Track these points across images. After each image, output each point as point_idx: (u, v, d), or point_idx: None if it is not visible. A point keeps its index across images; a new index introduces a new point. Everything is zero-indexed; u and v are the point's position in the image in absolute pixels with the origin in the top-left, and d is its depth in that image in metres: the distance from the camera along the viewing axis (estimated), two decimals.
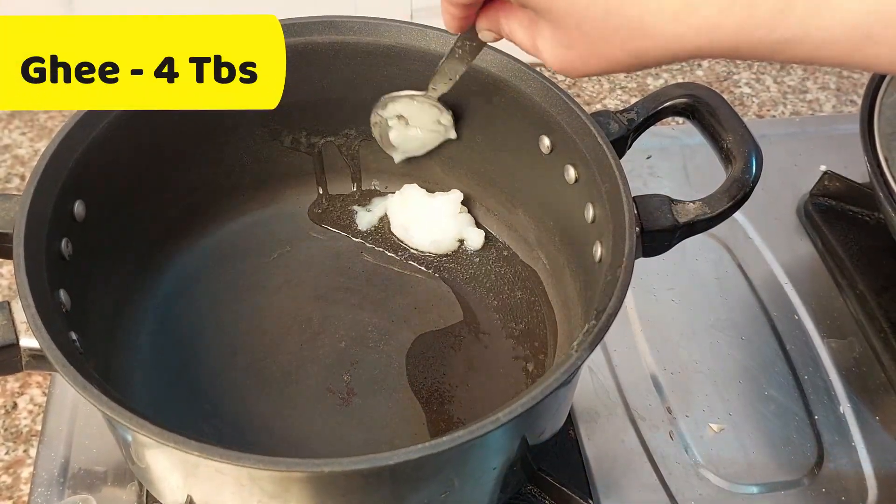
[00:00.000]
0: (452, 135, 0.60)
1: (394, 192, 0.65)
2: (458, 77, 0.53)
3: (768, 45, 0.32)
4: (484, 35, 0.47)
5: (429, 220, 0.63)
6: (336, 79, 0.59)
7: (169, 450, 0.38)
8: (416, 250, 0.63)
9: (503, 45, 0.56)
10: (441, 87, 0.55)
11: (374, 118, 0.60)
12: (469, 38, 0.49)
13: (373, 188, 0.67)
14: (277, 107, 0.60)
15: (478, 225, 0.64)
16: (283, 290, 0.61)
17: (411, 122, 0.59)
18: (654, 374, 0.64)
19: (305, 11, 0.57)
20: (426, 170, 0.65)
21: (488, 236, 0.64)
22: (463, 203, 0.64)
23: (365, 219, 0.65)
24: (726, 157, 0.52)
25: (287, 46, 0.56)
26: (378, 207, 0.65)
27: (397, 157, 0.63)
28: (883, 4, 0.30)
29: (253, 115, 0.59)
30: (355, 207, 0.65)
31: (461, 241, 0.64)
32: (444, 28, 0.56)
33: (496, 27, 0.44)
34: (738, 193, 0.50)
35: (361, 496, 0.43)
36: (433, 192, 0.64)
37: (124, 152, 0.53)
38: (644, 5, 0.33)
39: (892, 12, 0.30)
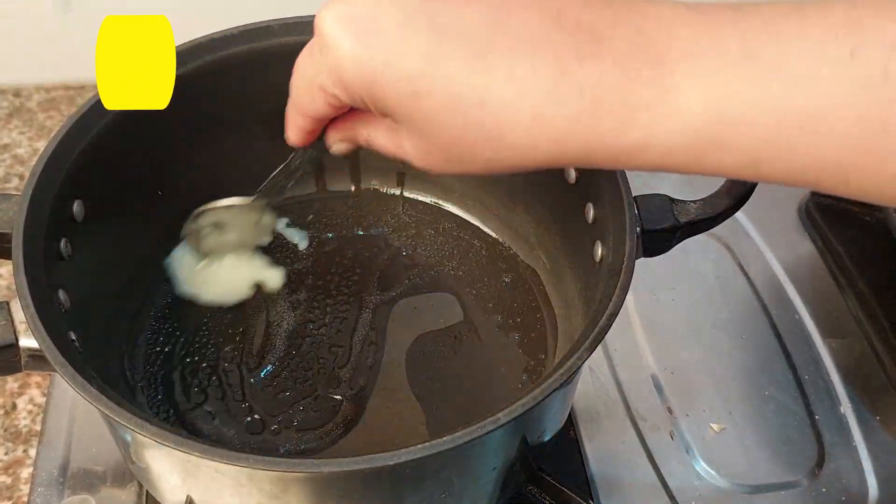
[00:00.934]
0: (268, 235, 0.58)
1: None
2: (290, 185, 0.51)
3: (618, 152, 0.32)
4: (338, 147, 0.44)
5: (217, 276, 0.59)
6: None
7: (168, 450, 0.38)
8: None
9: None
10: (271, 198, 0.53)
11: (184, 230, 0.56)
12: (313, 148, 0.46)
13: (372, 187, 0.67)
14: (278, 107, 0.60)
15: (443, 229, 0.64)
16: (283, 289, 0.61)
17: (228, 228, 0.57)
18: (654, 374, 0.64)
19: (305, 11, 0.57)
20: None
21: (489, 235, 0.64)
22: (462, 201, 0.64)
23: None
24: None
25: (287, 46, 0.57)
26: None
27: (204, 265, 0.58)
28: (724, 106, 0.30)
29: (253, 115, 0.59)
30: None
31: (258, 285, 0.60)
32: None
33: (352, 136, 0.43)
34: (738, 193, 0.50)
35: (361, 496, 0.43)
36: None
37: (123, 152, 0.52)
38: (500, 118, 0.33)
39: (733, 114, 0.30)
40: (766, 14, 0.31)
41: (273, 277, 0.60)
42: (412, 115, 0.35)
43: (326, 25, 0.35)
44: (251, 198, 0.54)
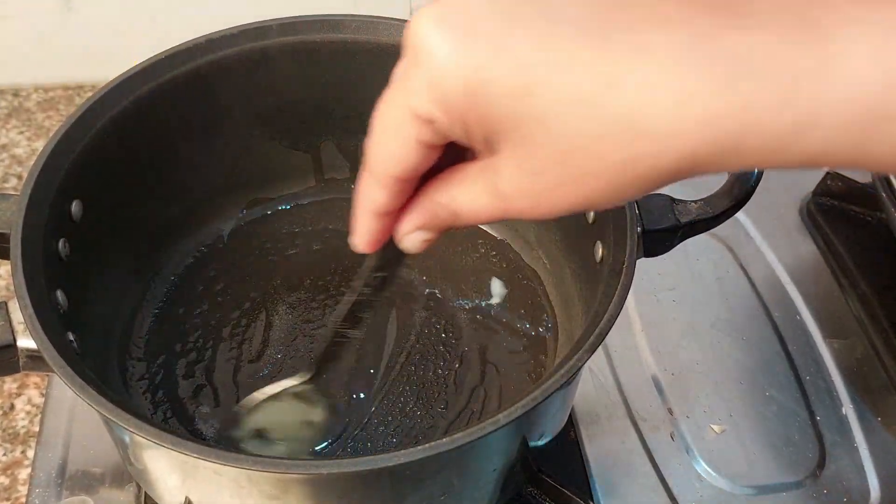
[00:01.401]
0: (323, 439, 0.48)
1: None
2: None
3: (777, 134, 0.27)
4: (411, 239, 0.35)
5: None
6: (335, 78, 0.59)
7: (167, 451, 0.38)
8: None
9: None
10: (318, 379, 0.45)
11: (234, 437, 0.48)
12: (380, 265, 0.39)
13: None
14: (277, 106, 0.60)
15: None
16: (283, 290, 0.61)
17: (273, 434, 0.48)
18: (654, 375, 0.63)
19: (305, 11, 0.57)
20: None
21: (489, 235, 0.64)
22: None
23: None
24: None
25: (286, 45, 0.57)
26: None
27: None
28: None
29: (252, 114, 0.59)
30: None
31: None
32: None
33: (432, 211, 0.34)
34: (739, 193, 0.49)
35: (361, 497, 0.43)
36: None
37: (122, 152, 0.52)
38: (633, 101, 0.27)
39: None
40: None
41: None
42: (523, 120, 0.29)
43: (420, 32, 0.29)
44: (297, 378, 0.46)
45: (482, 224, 0.33)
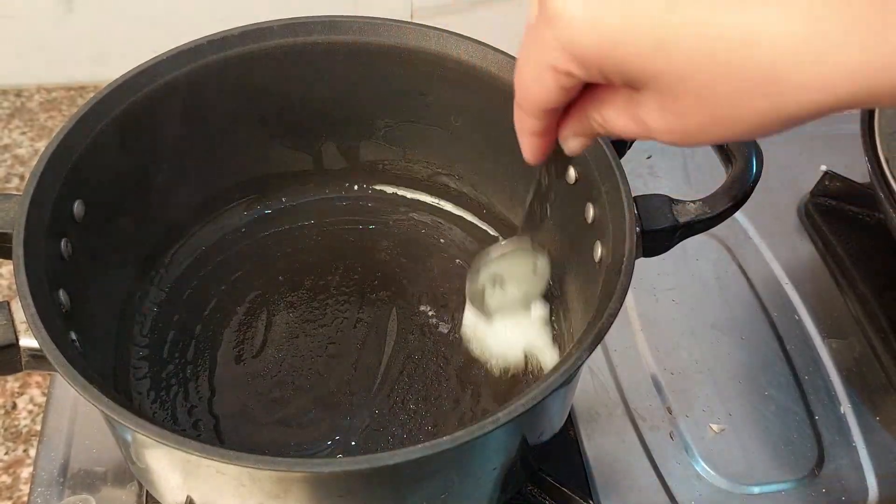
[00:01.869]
0: (546, 280, 0.54)
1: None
2: (548, 213, 0.48)
3: None
4: (571, 144, 0.39)
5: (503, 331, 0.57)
6: (336, 79, 0.59)
7: (169, 450, 0.38)
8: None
9: (505, 43, 0.56)
10: (534, 231, 0.50)
11: (469, 290, 0.54)
12: (551, 161, 0.43)
13: (372, 188, 0.67)
14: (278, 107, 0.60)
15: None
16: (284, 289, 0.61)
17: (507, 281, 0.53)
18: (654, 375, 0.64)
19: (305, 11, 0.57)
20: (425, 170, 0.65)
21: (490, 235, 0.64)
22: (462, 201, 0.64)
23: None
24: (726, 156, 0.52)
25: (287, 46, 0.57)
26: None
27: (497, 323, 0.55)
28: None
29: (253, 115, 0.59)
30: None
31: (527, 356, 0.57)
32: (444, 28, 0.56)
33: (585, 125, 0.37)
34: (738, 193, 0.50)
35: (362, 496, 0.43)
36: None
37: (123, 152, 0.52)
38: (777, 54, 0.27)
39: None
40: None
41: (546, 355, 0.56)
42: (660, 74, 0.30)
43: None
44: (517, 239, 0.51)
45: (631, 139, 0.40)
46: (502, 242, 0.53)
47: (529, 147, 0.39)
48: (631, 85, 0.32)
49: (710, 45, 0.28)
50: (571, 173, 0.53)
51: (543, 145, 0.39)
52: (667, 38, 0.29)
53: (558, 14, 0.31)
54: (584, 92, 0.35)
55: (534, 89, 0.35)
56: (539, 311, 0.57)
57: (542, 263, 0.53)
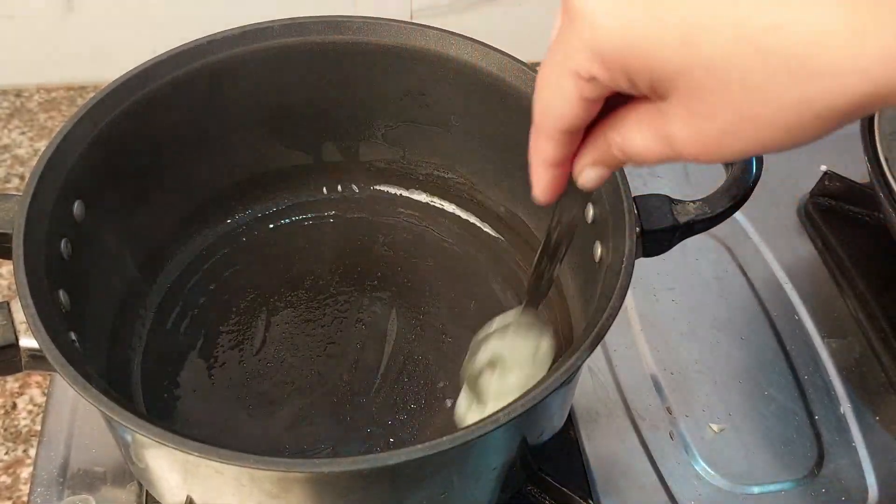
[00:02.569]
0: (549, 365, 0.49)
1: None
2: (553, 275, 0.45)
3: None
4: (588, 175, 0.36)
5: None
6: (336, 79, 0.59)
7: (168, 450, 0.38)
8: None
9: (505, 43, 0.56)
10: (538, 295, 0.46)
11: (466, 372, 0.50)
12: (565, 205, 0.41)
13: (372, 188, 0.67)
14: (278, 107, 0.60)
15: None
16: (284, 289, 0.61)
17: (507, 364, 0.49)
18: (654, 374, 0.64)
19: (305, 11, 0.57)
20: (425, 170, 0.65)
21: (489, 235, 0.64)
22: (462, 201, 0.64)
23: None
24: None
25: (287, 46, 0.57)
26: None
27: (491, 406, 0.49)
28: None
29: (253, 115, 0.59)
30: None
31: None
32: (444, 28, 0.56)
33: (604, 152, 0.35)
34: (738, 193, 0.50)
35: (361, 496, 0.43)
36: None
37: (123, 153, 0.53)
38: (805, 37, 0.26)
39: None
40: None
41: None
42: (687, 70, 0.29)
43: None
44: (521, 311, 0.47)
45: (651, 165, 0.36)
46: (504, 315, 0.49)
47: (543, 180, 0.36)
48: (657, 89, 0.30)
49: (739, 32, 0.27)
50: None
51: (559, 178, 0.36)
52: (693, 31, 0.28)
53: (580, 12, 0.30)
54: (604, 117, 0.34)
55: (554, 103, 0.33)
56: None
57: (546, 345, 0.49)
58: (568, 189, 0.37)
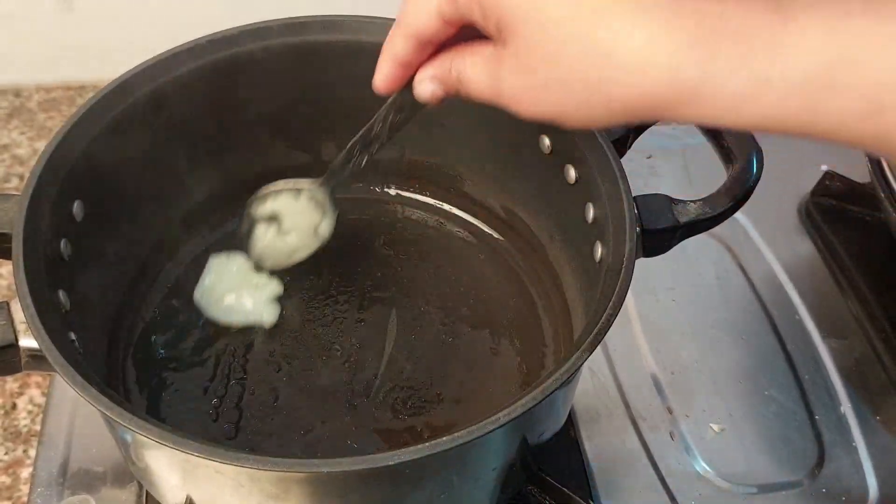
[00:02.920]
0: (319, 246, 0.53)
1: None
2: (362, 165, 0.48)
3: (730, 94, 0.31)
4: (424, 87, 0.41)
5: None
6: (335, 78, 0.59)
7: (168, 450, 0.38)
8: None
9: None
10: (338, 175, 0.49)
11: (245, 217, 0.54)
12: (397, 106, 0.44)
13: (373, 188, 0.67)
14: (278, 106, 0.60)
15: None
16: (283, 290, 0.61)
17: (285, 225, 0.53)
18: (654, 375, 0.64)
19: (305, 11, 0.57)
20: (424, 169, 0.65)
21: (489, 235, 0.64)
22: (463, 201, 0.64)
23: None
24: (727, 156, 0.52)
25: (287, 46, 0.57)
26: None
27: (260, 267, 0.55)
28: (845, 45, 0.29)
29: (253, 114, 0.59)
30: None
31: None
32: None
33: (444, 74, 0.40)
34: (738, 193, 0.50)
35: (361, 496, 0.43)
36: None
37: (123, 152, 0.52)
38: (616, 32, 0.32)
39: (856, 54, 0.29)
40: None
41: (267, 316, 0.57)
42: (528, 22, 0.34)
43: None
44: (316, 181, 0.50)
45: (479, 101, 0.39)
46: (298, 180, 0.51)
47: (387, 72, 0.41)
48: (501, 31, 0.35)
49: (573, 10, 0.33)
50: (571, 173, 0.53)
51: (400, 76, 0.41)
52: None
53: None
54: (454, 46, 0.39)
55: (416, 9, 0.38)
56: (274, 289, 0.57)
57: (327, 225, 0.52)
58: (404, 93, 0.42)
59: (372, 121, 0.46)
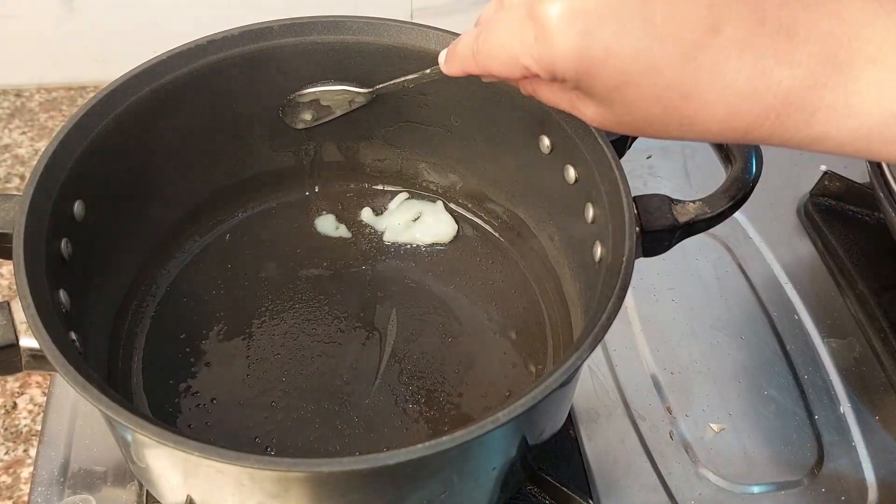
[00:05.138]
0: (362, 100, 0.59)
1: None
2: (406, 89, 0.54)
3: (797, 142, 0.36)
4: (486, 79, 0.44)
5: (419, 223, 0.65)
6: (336, 78, 0.59)
7: (169, 450, 0.38)
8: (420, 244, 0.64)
9: None
10: (385, 90, 0.55)
11: (287, 104, 0.60)
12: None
13: (372, 188, 0.67)
14: (278, 107, 0.60)
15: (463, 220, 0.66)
16: (283, 290, 0.61)
17: (324, 101, 0.60)
18: (654, 374, 0.64)
19: (305, 11, 0.57)
20: (424, 170, 0.65)
21: (490, 235, 0.65)
22: (463, 201, 0.64)
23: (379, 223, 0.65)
24: (726, 156, 0.52)
25: (287, 46, 0.57)
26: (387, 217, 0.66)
27: (301, 125, 0.62)
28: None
29: (253, 115, 0.59)
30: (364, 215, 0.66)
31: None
32: (444, 28, 0.56)
33: (519, 81, 0.43)
34: (738, 193, 0.50)
35: (361, 496, 0.43)
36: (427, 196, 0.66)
37: (124, 153, 0.53)
38: (699, 110, 0.36)
39: None
40: None
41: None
42: (612, 99, 0.37)
43: (553, 18, 0.36)
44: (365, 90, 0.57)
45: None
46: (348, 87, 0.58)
47: (455, 70, 0.44)
48: (581, 90, 0.38)
49: (659, 93, 0.36)
50: (571, 173, 0.53)
51: (466, 74, 0.44)
52: (629, 81, 0.36)
53: (550, 38, 0.36)
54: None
55: (496, 68, 0.40)
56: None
57: (361, 100, 0.59)
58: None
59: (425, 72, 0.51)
